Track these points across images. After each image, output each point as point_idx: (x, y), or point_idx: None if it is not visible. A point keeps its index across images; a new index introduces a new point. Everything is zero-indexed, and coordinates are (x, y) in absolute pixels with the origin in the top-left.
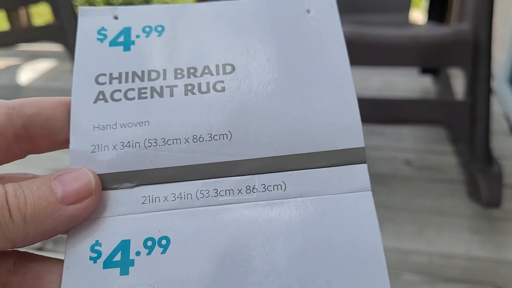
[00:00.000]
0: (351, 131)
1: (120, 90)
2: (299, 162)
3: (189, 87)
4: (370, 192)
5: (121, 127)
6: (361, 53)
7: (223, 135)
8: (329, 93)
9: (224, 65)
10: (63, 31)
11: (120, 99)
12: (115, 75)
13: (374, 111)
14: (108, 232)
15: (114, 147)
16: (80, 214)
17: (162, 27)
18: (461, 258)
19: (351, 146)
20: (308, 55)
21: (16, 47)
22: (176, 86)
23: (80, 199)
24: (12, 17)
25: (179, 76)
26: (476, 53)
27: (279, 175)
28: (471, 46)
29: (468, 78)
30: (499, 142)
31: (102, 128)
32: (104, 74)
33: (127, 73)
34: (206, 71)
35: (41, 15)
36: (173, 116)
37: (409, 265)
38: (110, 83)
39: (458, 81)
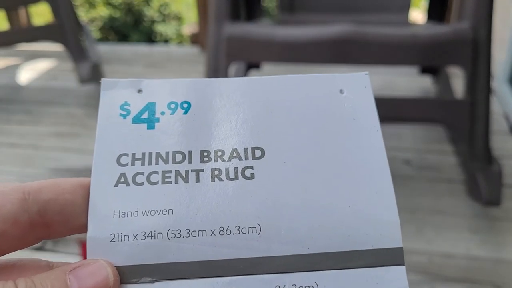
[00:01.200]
0: (388, 229)
1: (143, 173)
2: (332, 261)
3: (216, 172)
4: None
5: (143, 215)
6: (361, 52)
7: (252, 228)
8: (365, 184)
9: (253, 149)
10: (63, 31)
11: (142, 183)
12: (138, 155)
13: None
14: None
15: (135, 237)
16: None
17: (188, 103)
18: (461, 258)
19: (388, 246)
20: (342, 141)
21: (16, 47)
22: (202, 170)
23: None
24: (12, 17)
25: (205, 159)
26: (476, 52)
27: (311, 275)
28: (471, 44)
29: (467, 77)
30: (499, 141)
31: (123, 216)
32: (127, 154)
33: (150, 154)
34: (234, 154)
35: (41, 15)
36: (199, 205)
37: (409, 264)
38: (133, 164)
39: (457, 81)
